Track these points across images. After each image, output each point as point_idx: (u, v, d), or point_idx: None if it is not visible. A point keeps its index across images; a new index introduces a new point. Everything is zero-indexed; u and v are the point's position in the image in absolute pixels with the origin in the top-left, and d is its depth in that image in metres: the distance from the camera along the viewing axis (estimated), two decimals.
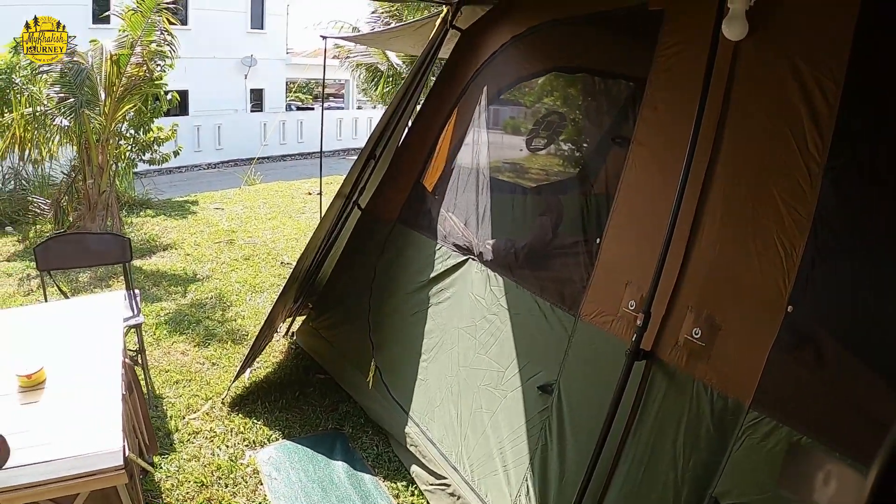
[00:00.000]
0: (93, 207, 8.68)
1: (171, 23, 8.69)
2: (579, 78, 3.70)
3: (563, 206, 3.58)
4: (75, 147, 8.88)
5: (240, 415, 4.35)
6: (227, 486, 3.65)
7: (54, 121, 8.34)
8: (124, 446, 2.35)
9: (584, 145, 3.66)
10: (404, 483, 3.76)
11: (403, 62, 12.68)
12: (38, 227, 9.20)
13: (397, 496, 3.67)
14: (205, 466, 3.80)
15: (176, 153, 10.84)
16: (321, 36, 7.70)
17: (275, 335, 5.30)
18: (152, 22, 8.25)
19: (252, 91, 22.48)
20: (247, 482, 3.70)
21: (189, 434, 4.10)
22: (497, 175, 3.98)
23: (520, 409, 3.24)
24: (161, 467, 3.74)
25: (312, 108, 27.87)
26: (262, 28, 22.50)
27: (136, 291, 4.62)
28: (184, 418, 4.27)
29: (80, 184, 8.91)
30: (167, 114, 10.49)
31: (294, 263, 4.83)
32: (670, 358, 2.54)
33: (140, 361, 4.37)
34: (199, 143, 18.87)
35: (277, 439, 4.12)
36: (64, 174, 9.68)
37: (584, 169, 3.57)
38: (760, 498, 2.21)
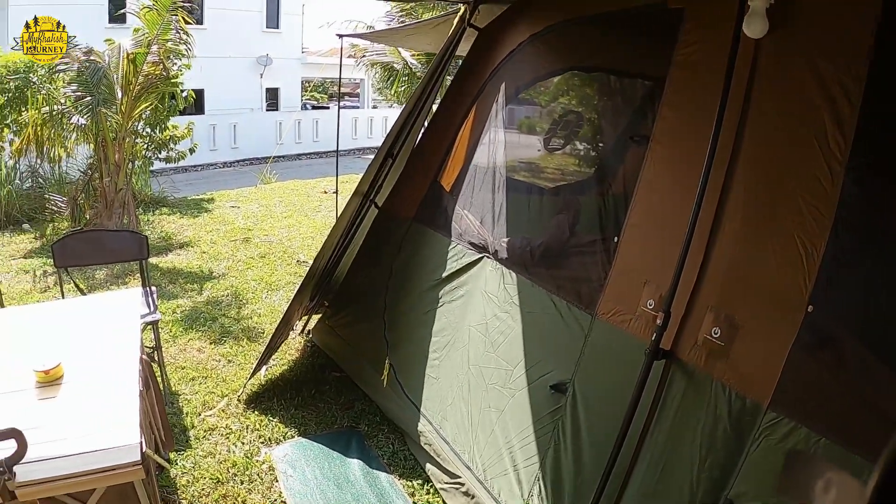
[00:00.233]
0: (109, 205, 8.74)
1: (186, 22, 8.73)
2: (596, 77, 3.69)
3: (580, 204, 3.57)
4: (92, 145, 8.95)
5: (255, 412, 4.36)
6: (242, 483, 3.66)
7: (71, 119, 8.39)
8: (141, 442, 2.35)
9: (601, 144, 3.65)
10: (420, 481, 3.75)
11: (419, 61, 12.67)
12: (54, 224, 9.25)
13: (413, 494, 3.66)
14: (220, 463, 3.81)
15: (192, 151, 10.90)
16: (338, 35, 7.68)
17: (291, 333, 5.31)
18: (168, 21, 8.29)
19: (267, 90, 22.51)
20: (262, 479, 3.70)
21: (205, 431, 4.11)
22: (513, 174, 3.97)
23: (528, 408, 3.24)
24: (177, 463, 3.76)
25: (328, 108, 27.89)
26: (277, 27, 22.53)
27: (153, 288, 4.63)
28: (199, 415, 4.29)
29: (97, 182, 8.98)
30: (183, 112, 10.54)
31: (309, 262, 4.84)
32: (689, 357, 2.52)
33: (156, 358, 4.38)
34: (214, 141, 18.92)
35: (293, 437, 4.13)
36: (81, 172, 9.76)
37: (601, 168, 3.55)
38: (776, 501, 2.20)
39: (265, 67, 21.65)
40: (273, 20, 22.43)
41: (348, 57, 13.57)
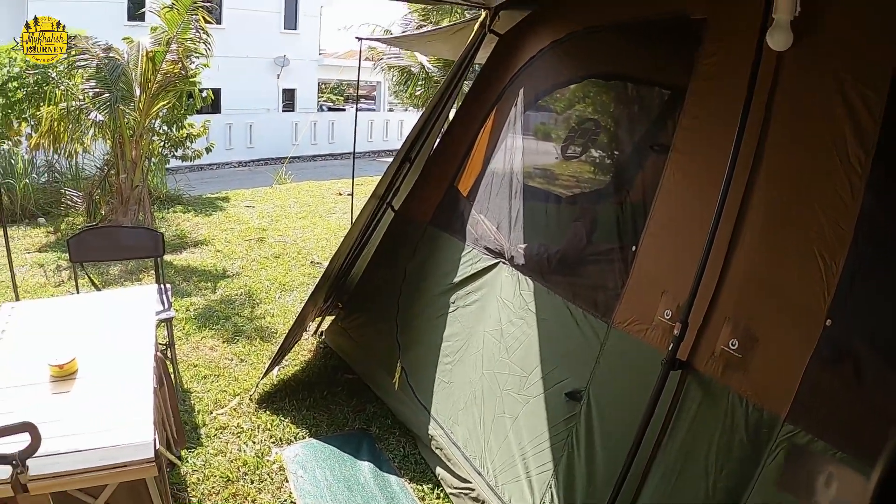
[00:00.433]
0: (125, 202, 8.79)
1: (206, 21, 8.76)
2: (613, 85, 3.68)
3: (597, 212, 3.56)
4: (109, 142, 9.00)
5: (267, 412, 4.36)
6: (252, 483, 3.66)
7: (89, 115, 8.44)
8: (155, 439, 2.36)
9: (619, 153, 3.64)
10: (430, 485, 3.75)
11: (435, 66, 12.69)
12: (69, 219, 9.33)
13: (423, 499, 3.66)
14: (231, 462, 3.82)
15: (208, 150, 10.94)
16: (356, 38, 7.72)
17: (304, 334, 5.32)
18: (188, 20, 8.32)
19: (284, 91, 22.56)
20: (272, 479, 3.71)
21: (216, 429, 4.13)
22: (530, 181, 3.97)
23: (543, 415, 3.23)
24: (188, 461, 3.77)
25: (344, 110, 27.95)
26: (295, 29, 22.60)
27: (168, 286, 4.65)
28: (211, 413, 4.30)
29: (113, 178, 9.04)
30: (200, 111, 10.57)
31: (323, 263, 4.85)
32: (706, 368, 2.51)
33: (169, 355, 4.40)
34: (230, 140, 18.98)
35: (304, 437, 4.13)
36: (97, 168, 9.82)
37: (619, 176, 3.53)
38: None
39: (282, 68, 21.70)
40: (291, 21, 22.51)
41: (365, 59, 13.60)
